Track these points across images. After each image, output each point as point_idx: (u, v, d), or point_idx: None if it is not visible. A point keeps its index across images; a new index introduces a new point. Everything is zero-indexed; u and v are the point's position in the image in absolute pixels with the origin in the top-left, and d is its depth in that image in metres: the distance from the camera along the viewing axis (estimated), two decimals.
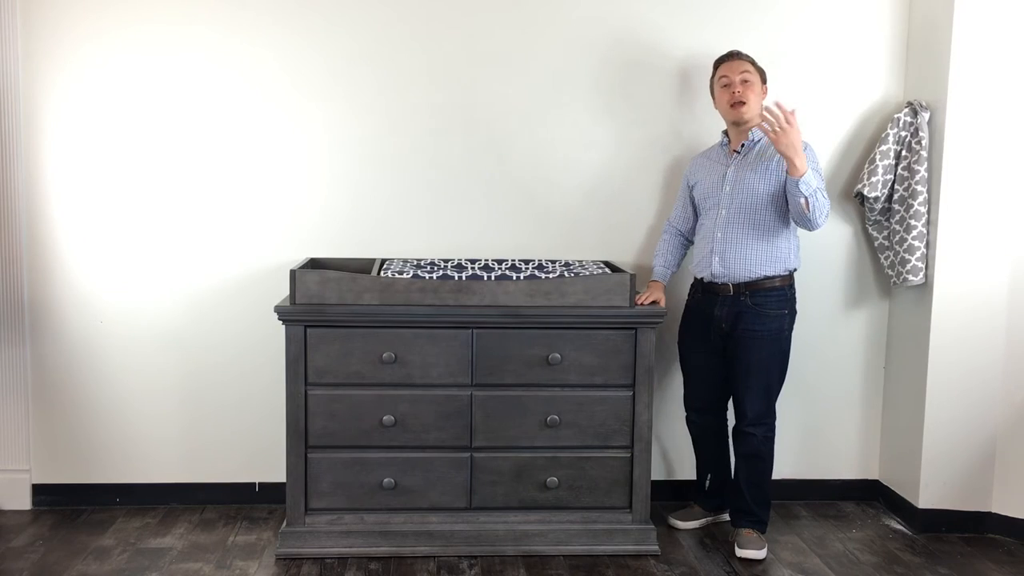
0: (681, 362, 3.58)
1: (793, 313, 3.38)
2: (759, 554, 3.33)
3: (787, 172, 3.13)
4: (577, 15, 3.65)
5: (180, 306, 3.66)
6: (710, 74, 3.47)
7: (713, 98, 3.45)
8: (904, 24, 3.74)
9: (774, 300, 3.32)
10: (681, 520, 3.58)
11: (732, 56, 3.37)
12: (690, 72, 3.69)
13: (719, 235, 3.33)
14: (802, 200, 3.12)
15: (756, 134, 3.35)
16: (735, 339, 3.34)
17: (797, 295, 3.48)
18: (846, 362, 3.88)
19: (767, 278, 3.31)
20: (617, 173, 3.74)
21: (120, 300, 3.64)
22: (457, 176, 3.69)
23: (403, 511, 3.32)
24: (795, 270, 3.38)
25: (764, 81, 3.38)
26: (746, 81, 3.31)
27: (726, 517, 3.68)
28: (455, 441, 3.30)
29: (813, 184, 3.11)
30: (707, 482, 3.65)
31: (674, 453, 3.85)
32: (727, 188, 3.33)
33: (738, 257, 3.30)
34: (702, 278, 3.41)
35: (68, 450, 3.69)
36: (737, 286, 3.32)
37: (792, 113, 3.06)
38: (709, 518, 3.63)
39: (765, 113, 3.07)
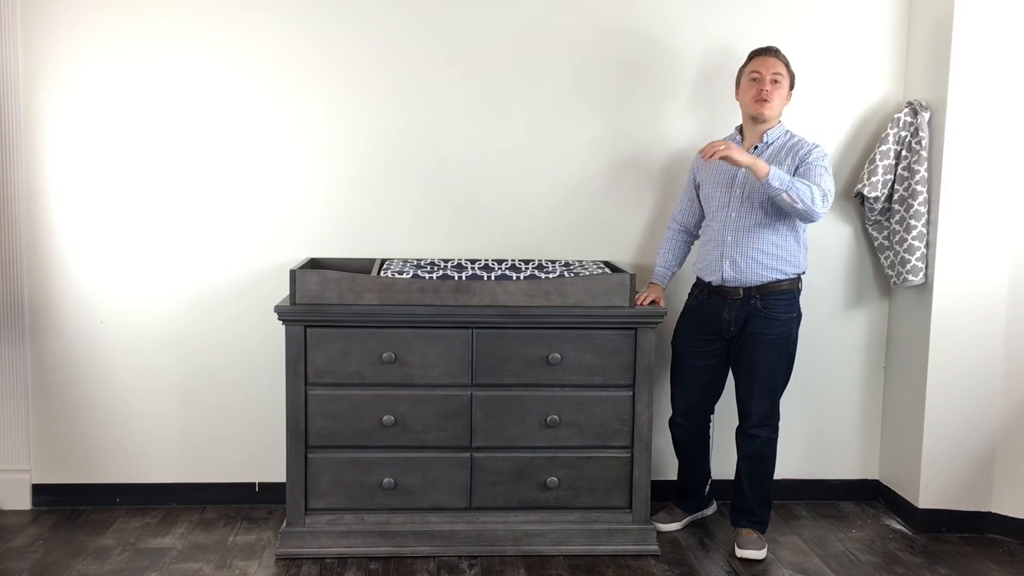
0: (674, 363, 3.53)
1: (800, 316, 3.37)
2: (759, 554, 3.33)
3: (750, 172, 3.14)
4: (579, 14, 3.65)
5: (180, 306, 3.66)
6: (741, 64, 3.40)
7: (737, 87, 3.40)
8: (904, 24, 3.74)
9: (784, 303, 3.30)
10: (664, 523, 3.56)
11: (769, 52, 3.32)
12: (688, 71, 3.68)
13: (729, 239, 3.30)
14: (784, 196, 3.10)
15: (771, 136, 3.31)
16: (743, 341, 3.33)
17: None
18: (846, 362, 3.88)
19: (777, 281, 3.29)
20: (617, 172, 3.73)
21: (120, 300, 3.64)
22: (457, 176, 3.69)
23: (403, 511, 3.32)
24: (803, 273, 3.38)
25: (792, 87, 3.35)
26: (776, 81, 3.27)
27: (707, 513, 3.68)
28: (455, 441, 3.30)
29: (786, 178, 3.08)
30: (707, 488, 3.64)
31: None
32: (737, 191, 3.29)
33: (749, 261, 3.28)
34: (710, 282, 3.38)
35: (68, 450, 3.69)
36: (748, 289, 3.30)
37: (712, 144, 3.11)
38: (690, 517, 3.63)
39: (702, 155, 3.12)
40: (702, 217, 3.50)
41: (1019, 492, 3.53)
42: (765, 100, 3.26)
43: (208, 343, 3.68)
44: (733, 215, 3.30)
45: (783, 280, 3.30)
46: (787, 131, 3.37)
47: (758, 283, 3.28)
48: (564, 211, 3.74)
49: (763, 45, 3.39)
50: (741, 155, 3.08)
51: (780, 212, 3.25)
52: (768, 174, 3.07)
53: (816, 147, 3.27)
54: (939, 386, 3.54)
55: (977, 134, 3.45)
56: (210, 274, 3.66)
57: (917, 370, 3.61)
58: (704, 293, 3.41)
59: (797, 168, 3.23)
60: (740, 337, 3.33)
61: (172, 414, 3.70)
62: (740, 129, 3.42)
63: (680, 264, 3.58)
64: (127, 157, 3.60)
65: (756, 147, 3.32)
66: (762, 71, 3.28)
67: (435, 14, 3.62)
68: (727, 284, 3.32)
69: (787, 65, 3.32)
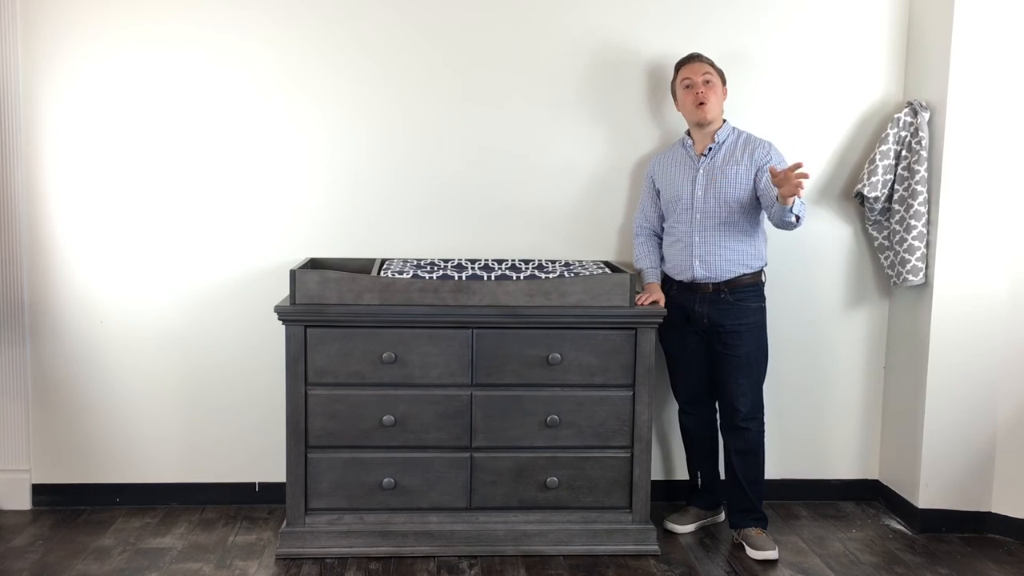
0: (667, 357, 3.58)
1: (765, 307, 3.44)
2: (774, 554, 3.32)
3: (777, 200, 3.14)
4: (579, 18, 3.65)
5: (180, 306, 3.66)
6: (671, 78, 3.52)
7: (675, 99, 3.50)
8: (904, 24, 3.74)
9: (752, 295, 3.38)
10: (678, 524, 3.57)
11: (693, 58, 3.42)
12: None
13: (697, 239, 3.36)
14: (792, 218, 3.18)
15: (720, 136, 3.40)
16: (719, 336, 3.37)
17: (795, 293, 3.64)
18: (846, 362, 3.87)
19: (744, 275, 3.36)
20: (617, 173, 3.74)
21: (120, 300, 3.64)
22: (457, 176, 3.69)
23: (403, 511, 3.32)
24: (765, 265, 3.45)
25: (724, 82, 3.43)
26: (708, 82, 3.36)
27: (721, 517, 3.68)
28: (455, 441, 3.30)
29: (798, 201, 3.15)
30: (699, 480, 3.66)
31: (675, 453, 3.85)
32: (699, 192, 3.37)
33: (718, 259, 3.35)
34: (681, 280, 3.43)
35: (68, 450, 3.69)
36: (717, 284, 3.36)
37: (799, 166, 3.04)
38: (705, 519, 3.63)
39: (780, 180, 3.05)
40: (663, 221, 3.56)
41: (1019, 492, 3.53)
42: (703, 103, 3.35)
43: (208, 343, 3.68)
44: (698, 216, 3.37)
45: (748, 274, 3.37)
46: (734, 128, 3.46)
47: (727, 278, 3.35)
48: (564, 211, 3.74)
49: (688, 53, 3.47)
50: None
51: (742, 209, 3.34)
52: (792, 203, 3.12)
53: (771, 146, 3.37)
54: (939, 386, 3.54)
55: (977, 134, 3.45)
56: (210, 274, 3.66)
57: (917, 370, 3.61)
58: (674, 288, 3.47)
59: (757, 172, 3.31)
60: (717, 331, 3.37)
61: (172, 414, 3.70)
62: (689, 133, 3.49)
63: (661, 263, 3.59)
64: (127, 157, 3.60)
65: (710, 148, 3.39)
66: (692, 77, 3.38)
67: (434, 17, 3.62)
68: (698, 281, 3.37)
69: (713, 65, 3.42)
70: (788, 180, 3.02)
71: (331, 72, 3.62)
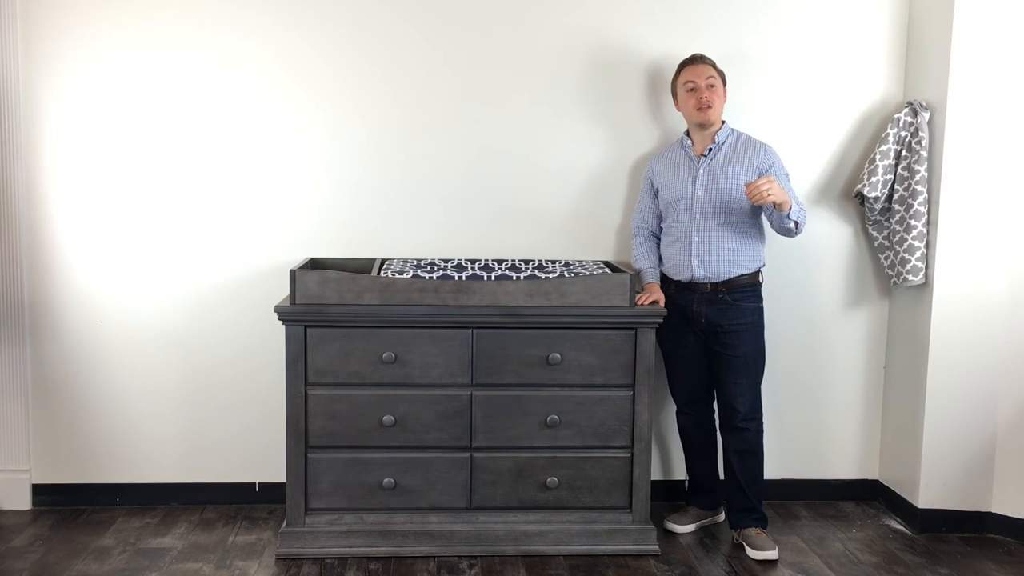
0: (664, 358, 3.58)
1: (763, 307, 3.46)
2: (775, 554, 3.32)
3: (775, 208, 3.19)
4: (579, 18, 3.65)
5: (180, 306, 3.66)
6: (672, 77, 3.51)
7: (675, 100, 3.50)
8: (904, 24, 3.74)
9: (750, 295, 3.39)
10: (678, 524, 3.57)
11: (696, 60, 3.42)
12: None
13: (696, 239, 3.37)
14: (791, 224, 3.23)
15: (720, 137, 3.41)
16: (717, 336, 3.38)
17: (795, 294, 3.64)
18: (846, 362, 3.87)
19: (742, 275, 3.37)
20: (617, 174, 3.74)
21: (120, 300, 3.64)
22: (457, 176, 3.69)
23: (403, 511, 3.32)
24: (763, 266, 3.45)
25: (725, 83, 3.44)
26: (712, 86, 3.37)
27: (721, 517, 3.68)
28: (455, 441, 3.30)
29: (796, 208, 3.22)
30: (687, 483, 3.66)
31: (674, 453, 3.85)
32: (699, 192, 3.38)
33: (717, 258, 3.36)
34: (679, 280, 3.43)
35: (68, 450, 3.69)
36: (715, 284, 3.37)
37: (766, 180, 3.11)
38: (705, 519, 3.63)
39: (751, 192, 3.12)
40: (660, 222, 3.57)
41: (1019, 492, 3.53)
42: (709, 107, 3.36)
43: (208, 343, 3.68)
44: (698, 216, 3.38)
45: (746, 274, 3.38)
46: (732, 130, 3.47)
47: (725, 278, 3.36)
48: (564, 211, 3.74)
49: (692, 54, 3.47)
50: (782, 195, 3.15)
51: (741, 210, 3.36)
52: (790, 209, 3.19)
53: (772, 151, 3.40)
54: (939, 386, 3.54)
55: (977, 134, 3.45)
56: (210, 274, 3.66)
57: (917, 370, 3.61)
58: (672, 288, 3.47)
59: (759, 177, 3.31)
60: (715, 331, 3.38)
61: (172, 414, 3.70)
62: (687, 133, 3.50)
63: (660, 263, 3.59)
64: (127, 157, 3.60)
65: (710, 149, 3.41)
66: (696, 79, 3.38)
67: (434, 17, 3.62)
68: (696, 280, 3.37)
69: (715, 66, 3.42)
70: (755, 191, 3.11)
71: (331, 72, 3.62)
